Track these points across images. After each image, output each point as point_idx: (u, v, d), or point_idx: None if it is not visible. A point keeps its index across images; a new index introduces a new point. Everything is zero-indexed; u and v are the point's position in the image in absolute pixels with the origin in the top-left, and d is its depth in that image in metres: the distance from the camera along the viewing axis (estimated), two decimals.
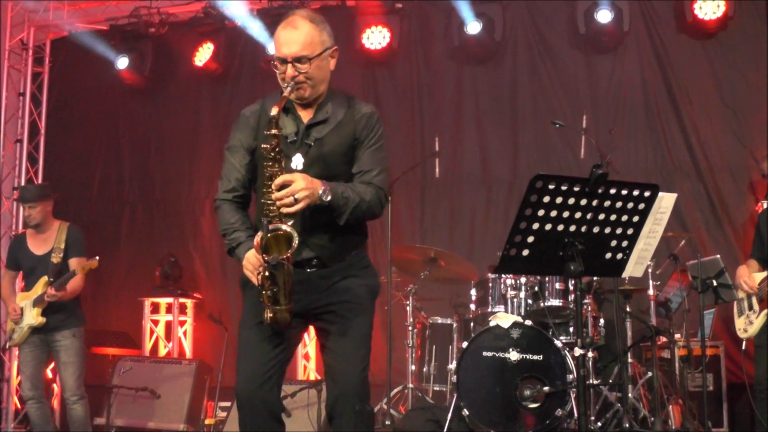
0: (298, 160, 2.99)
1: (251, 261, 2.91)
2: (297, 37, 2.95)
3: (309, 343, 7.37)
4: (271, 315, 2.88)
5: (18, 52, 8.66)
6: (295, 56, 2.94)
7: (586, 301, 5.54)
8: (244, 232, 3.05)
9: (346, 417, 3.01)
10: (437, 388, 6.02)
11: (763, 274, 4.91)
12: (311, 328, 3.24)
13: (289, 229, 2.83)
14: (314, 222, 2.97)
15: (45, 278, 5.49)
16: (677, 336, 5.91)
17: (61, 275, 5.48)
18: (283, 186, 2.81)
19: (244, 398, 3.01)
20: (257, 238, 2.84)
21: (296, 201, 2.80)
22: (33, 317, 5.44)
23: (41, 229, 5.65)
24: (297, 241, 2.81)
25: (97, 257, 5.47)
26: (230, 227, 3.07)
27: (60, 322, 5.51)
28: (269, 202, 2.85)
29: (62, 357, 5.51)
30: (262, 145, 2.89)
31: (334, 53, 3.07)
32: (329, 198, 2.87)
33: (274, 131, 2.85)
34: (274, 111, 2.84)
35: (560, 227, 3.08)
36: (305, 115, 3.05)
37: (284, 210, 2.82)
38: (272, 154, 2.86)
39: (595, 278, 5.61)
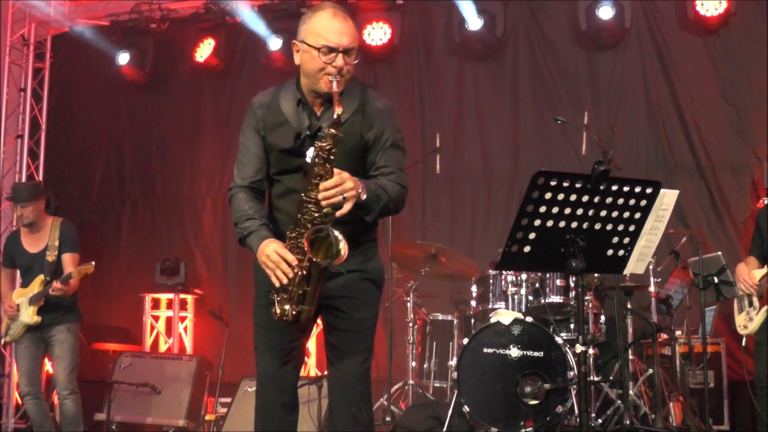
0: (311, 154, 2.91)
1: (273, 258, 2.79)
2: (349, 28, 2.89)
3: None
4: (294, 313, 2.81)
5: (19, 47, 8.65)
6: (347, 47, 2.87)
7: (587, 297, 5.54)
8: (258, 219, 2.93)
9: (343, 420, 3.00)
10: (438, 385, 6.03)
11: (763, 271, 4.90)
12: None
13: (339, 237, 2.74)
14: None
15: (41, 277, 5.48)
16: (678, 333, 5.92)
17: (56, 273, 5.47)
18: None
19: (265, 377, 3.04)
20: (308, 234, 2.74)
21: (344, 200, 2.73)
22: (29, 316, 5.44)
23: (35, 228, 5.62)
24: (345, 252, 2.72)
25: (93, 262, 5.41)
26: (243, 215, 2.95)
27: (55, 319, 5.50)
28: (312, 201, 2.77)
29: (56, 351, 5.52)
30: (317, 144, 2.78)
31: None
32: (365, 196, 2.80)
33: (333, 131, 2.76)
34: (339, 110, 2.74)
35: (562, 224, 3.07)
36: (318, 109, 2.99)
37: (329, 210, 2.72)
38: (326, 154, 2.76)
39: (596, 275, 5.61)
